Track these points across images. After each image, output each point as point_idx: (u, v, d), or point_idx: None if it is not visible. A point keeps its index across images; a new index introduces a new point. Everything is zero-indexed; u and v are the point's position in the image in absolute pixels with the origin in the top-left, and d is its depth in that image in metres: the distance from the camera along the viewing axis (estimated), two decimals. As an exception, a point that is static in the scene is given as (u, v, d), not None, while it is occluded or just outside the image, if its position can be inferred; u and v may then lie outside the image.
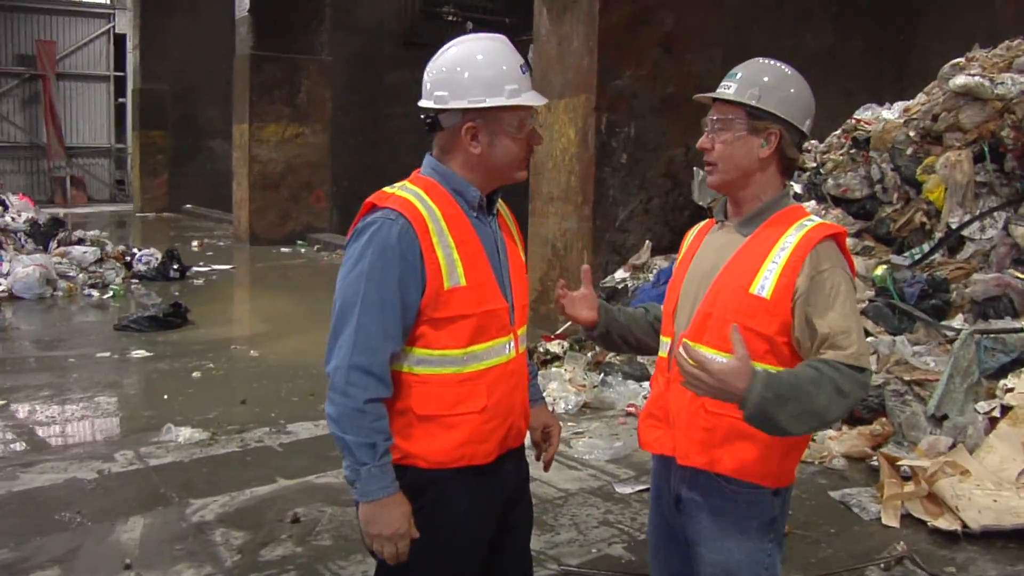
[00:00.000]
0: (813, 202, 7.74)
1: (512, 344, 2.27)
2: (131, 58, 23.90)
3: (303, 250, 15.51)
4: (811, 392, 1.99)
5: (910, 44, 14.01)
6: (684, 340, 2.12)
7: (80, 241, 12.12)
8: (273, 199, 16.23)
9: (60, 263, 11.18)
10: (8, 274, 10.61)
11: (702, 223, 2.44)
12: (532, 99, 2.19)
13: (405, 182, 2.25)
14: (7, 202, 12.31)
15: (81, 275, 11.21)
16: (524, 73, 2.20)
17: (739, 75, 2.20)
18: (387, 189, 2.22)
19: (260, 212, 16.16)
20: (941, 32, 13.17)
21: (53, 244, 11.82)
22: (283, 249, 15.61)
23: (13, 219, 11.84)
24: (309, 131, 16.40)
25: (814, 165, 8.12)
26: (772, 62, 2.24)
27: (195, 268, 12.75)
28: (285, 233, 16.24)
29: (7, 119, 27.98)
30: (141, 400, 6.62)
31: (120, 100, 28.15)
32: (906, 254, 7.02)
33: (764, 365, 2.06)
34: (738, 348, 1.95)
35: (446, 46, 2.24)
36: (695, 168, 8.27)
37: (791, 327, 2.10)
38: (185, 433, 5.47)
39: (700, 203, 8.28)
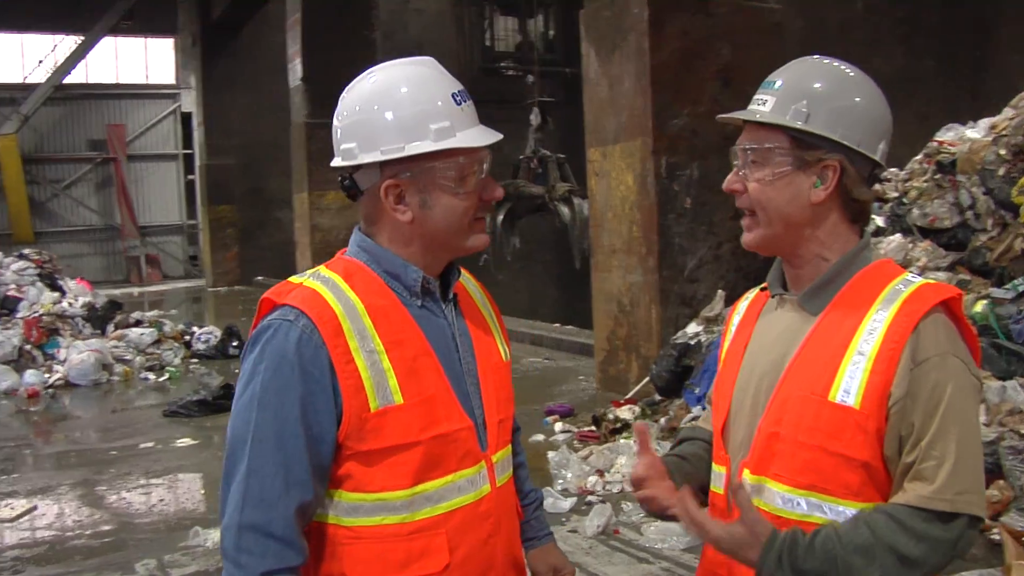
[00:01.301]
0: (899, 235, 7.05)
1: (484, 475, 1.71)
2: (197, 135, 24.10)
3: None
4: (856, 567, 1.44)
5: (986, 60, 13.24)
6: (745, 474, 1.58)
7: (138, 323, 11.90)
8: (337, 267, 15.90)
9: (117, 347, 10.94)
10: (64, 361, 10.36)
11: (752, 293, 1.85)
12: (471, 139, 1.64)
13: (319, 267, 1.72)
14: (64, 287, 12.13)
15: (138, 358, 10.97)
16: (460, 104, 1.65)
17: (778, 83, 1.61)
18: (294, 278, 1.69)
19: (325, 281, 15.84)
20: (1019, 44, 12.44)
21: (110, 328, 11.59)
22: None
23: (70, 304, 11.63)
24: (370, 195, 16.06)
25: (896, 195, 7.43)
26: (826, 61, 1.64)
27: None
28: (352, 300, 15.87)
29: (82, 203, 28.68)
30: (176, 496, 6.20)
31: (189, 177, 28.46)
32: (1008, 286, 6.28)
33: (862, 505, 1.51)
34: (744, 509, 1.45)
35: (358, 78, 1.71)
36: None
37: (889, 446, 1.52)
38: (214, 536, 4.97)
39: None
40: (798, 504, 1.54)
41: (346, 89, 1.71)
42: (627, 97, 7.56)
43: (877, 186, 1.66)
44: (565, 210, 13.14)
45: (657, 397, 6.97)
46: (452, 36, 21.84)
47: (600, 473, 5.53)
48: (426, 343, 1.66)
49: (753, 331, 1.73)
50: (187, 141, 28.94)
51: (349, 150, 1.66)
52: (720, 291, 7.49)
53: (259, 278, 22.36)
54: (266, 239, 22.94)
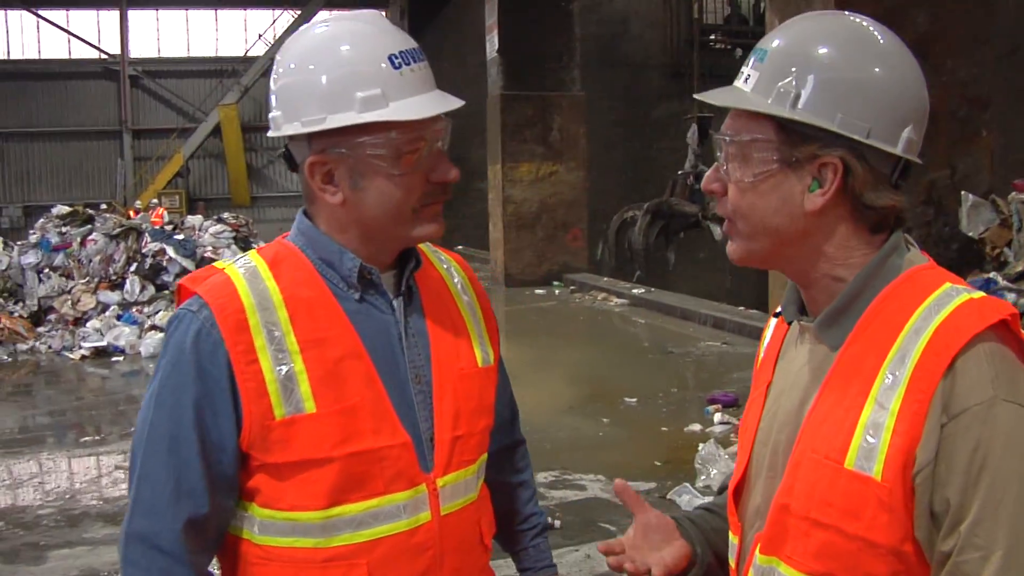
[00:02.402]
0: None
1: (423, 501, 1.49)
2: (404, 105, 24.65)
3: (557, 291, 15.03)
4: None
5: None
6: (756, 553, 1.30)
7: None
8: (528, 239, 15.89)
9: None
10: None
11: (775, 316, 1.49)
12: (407, 110, 1.41)
13: (251, 251, 1.55)
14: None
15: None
16: (400, 68, 1.42)
17: (765, 52, 1.25)
18: (219, 263, 1.53)
19: (515, 253, 15.87)
20: None
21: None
22: (537, 291, 15.20)
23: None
24: (563, 168, 15.95)
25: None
26: (832, 18, 1.28)
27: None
28: (541, 274, 15.82)
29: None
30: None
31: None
32: None
33: None
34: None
35: (302, 29, 1.51)
36: (963, 192, 7.02)
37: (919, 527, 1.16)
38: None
39: (971, 234, 7.01)
40: None
41: (293, 36, 1.51)
42: (812, 70, 7.05)
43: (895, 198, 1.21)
44: (718, 229, 13.23)
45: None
46: (659, 8, 21.45)
47: (747, 471, 5.19)
48: (358, 343, 1.46)
49: (776, 363, 1.40)
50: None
51: (275, 118, 1.48)
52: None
53: (459, 247, 22.68)
54: (467, 208, 23.21)
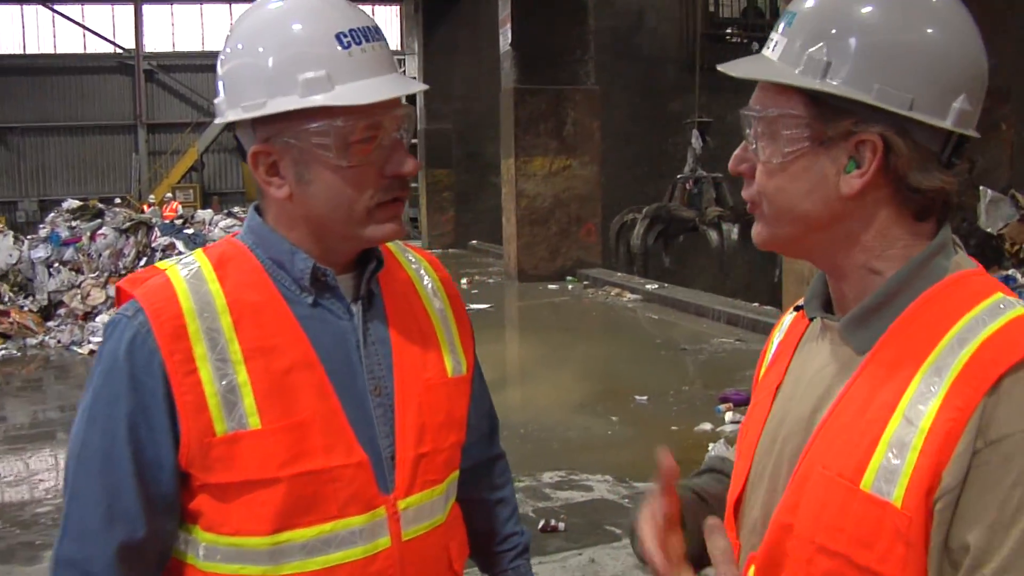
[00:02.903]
0: None
1: (383, 525, 1.36)
2: (418, 99, 24.57)
3: (571, 287, 14.90)
4: None
5: None
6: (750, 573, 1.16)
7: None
8: (541, 234, 15.76)
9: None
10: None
11: (795, 309, 1.33)
12: (354, 94, 1.28)
13: (197, 250, 1.42)
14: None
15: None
16: (349, 48, 1.29)
17: (794, 15, 1.11)
18: (161, 263, 1.40)
19: (528, 248, 15.74)
20: None
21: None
22: (551, 286, 15.08)
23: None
24: (577, 163, 15.81)
25: None
26: None
27: (451, 308, 12.40)
28: (555, 269, 15.70)
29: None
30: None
31: (412, 141, 29.02)
32: None
33: None
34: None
35: (256, 3, 1.37)
36: (982, 188, 6.88)
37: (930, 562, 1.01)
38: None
39: (990, 230, 6.86)
40: None
41: (238, 19, 1.39)
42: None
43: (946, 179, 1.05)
44: (713, 235, 13.70)
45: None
46: (674, 1, 21.26)
47: (759, 473, 5.06)
48: (310, 352, 1.33)
49: (789, 364, 1.24)
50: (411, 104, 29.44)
51: (219, 103, 1.35)
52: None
53: (473, 242, 22.62)
54: (481, 203, 23.14)
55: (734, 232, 11.84)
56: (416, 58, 24.87)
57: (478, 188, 23.25)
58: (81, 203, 13.11)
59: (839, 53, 1.06)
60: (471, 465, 1.59)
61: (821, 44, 1.07)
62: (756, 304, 11.20)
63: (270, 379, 1.30)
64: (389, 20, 30.87)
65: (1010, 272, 6.52)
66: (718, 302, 11.27)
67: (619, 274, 14.83)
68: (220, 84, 1.35)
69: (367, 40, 1.31)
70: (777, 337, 1.34)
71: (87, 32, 29.85)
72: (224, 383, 1.28)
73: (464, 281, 15.88)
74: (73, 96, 29.85)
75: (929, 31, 1.06)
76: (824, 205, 1.10)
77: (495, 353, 10.31)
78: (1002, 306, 1.05)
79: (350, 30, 1.30)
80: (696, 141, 14.33)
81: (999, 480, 0.96)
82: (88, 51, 30.11)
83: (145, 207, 14.50)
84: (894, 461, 1.00)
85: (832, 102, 1.07)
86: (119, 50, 29.97)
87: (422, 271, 1.55)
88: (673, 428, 6.45)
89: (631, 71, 20.54)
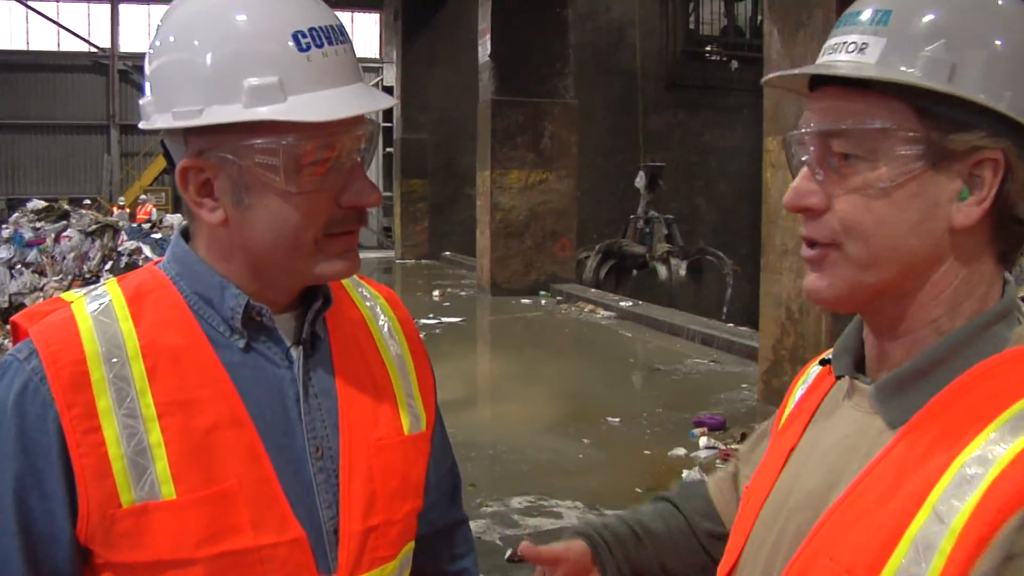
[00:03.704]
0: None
1: None
2: (395, 108, 24.40)
3: (544, 301, 14.74)
4: None
5: None
6: None
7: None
8: (516, 248, 15.61)
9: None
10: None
11: (821, 363, 1.15)
12: (311, 107, 1.06)
13: (111, 280, 1.21)
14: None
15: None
16: (307, 51, 1.07)
17: (889, 12, 0.93)
18: (68, 294, 1.18)
19: (502, 261, 15.59)
20: None
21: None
22: (524, 300, 14.91)
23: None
24: (553, 177, 15.69)
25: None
26: None
27: (422, 321, 12.24)
28: (528, 283, 15.54)
29: (287, 170, 29.43)
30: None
31: (388, 150, 28.86)
32: None
33: None
34: None
35: None
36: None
37: None
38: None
39: None
40: None
41: (171, 6, 1.17)
42: (811, 82, 6.82)
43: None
44: (662, 270, 14.95)
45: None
46: (655, 18, 21.24)
47: (733, 503, 4.91)
48: (239, 406, 1.13)
49: (808, 425, 1.08)
50: (387, 115, 29.30)
51: (145, 105, 1.15)
52: None
53: (447, 253, 22.45)
54: (456, 215, 22.97)
55: (682, 268, 13.10)
56: (394, 67, 24.72)
57: (453, 199, 23.09)
58: (47, 204, 12.86)
59: (964, 54, 0.90)
60: (429, 532, 1.39)
61: (940, 43, 0.90)
62: (731, 324, 11.09)
63: (189, 439, 1.09)
64: (368, 28, 30.67)
65: None
66: (693, 321, 11.14)
67: (593, 290, 14.73)
68: (147, 83, 1.15)
69: (330, 42, 1.10)
70: (800, 390, 1.17)
71: (62, 30, 29.48)
72: (133, 444, 1.07)
73: (436, 293, 15.71)
74: (46, 94, 29.46)
75: None
76: (932, 241, 0.92)
77: (465, 369, 10.13)
78: None
79: (310, 29, 1.08)
80: (640, 182, 15.11)
81: None
82: (62, 49, 29.73)
83: (115, 209, 14.21)
84: (917, 565, 0.83)
85: (946, 114, 0.90)
86: (94, 49, 29.60)
87: (378, 309, 1.35)
88: (646, 452, 6.29)
89: (610, 86, 20.52)
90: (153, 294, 1.16)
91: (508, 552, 4.48)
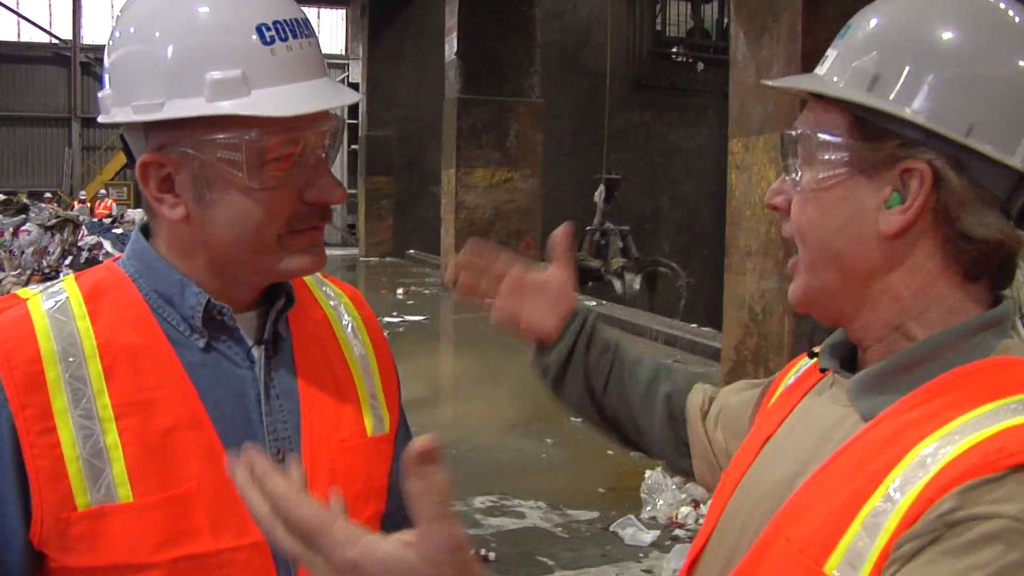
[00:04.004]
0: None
1: None
2: (360, 105, 24.33)
3: (508, 300, 14.75)
4: None
5: None
6: None
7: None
8: (480, 247, 15.60)
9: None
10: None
11: (811, 358, 1.15)
12: (275, 102, 1.06)
13: (68, 277, 1.19)
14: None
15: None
16: (271, 44, 1.07)
17: (849, 26, 0.99)
18: (24, 291, 1.17)
19: (467, 260, 15.57)
20: None
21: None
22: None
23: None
24: (519, 176, 15.70)
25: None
26: None
27: (386, 319, 12.19)
28: (493, 282, 15.54)
29: (251, 166, 29.27)
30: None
31: (353, 147, 28.77)
32: None
33: None
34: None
35: None
36: None
37: None
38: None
39: None
40: None
41: None
42: (776, 85, 6.86)
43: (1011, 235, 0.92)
44: (617, 283, 15.09)
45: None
46: (623, 19, 21.28)
47: (696, 504, 4.93)
48: (198, 406, 1.12)
49: (788, 415, 1.10)
50: (353, 112, 29.23)
51: (103, 98, 1.14)
52: (864, 307, 6.74)
53: (411, 251, 22.40)
54: (421, 212, 22.92)
55: (636, 282, 13.47)
56: (360, 63, 24.63)
57: (418, 197, 23.05)
58: (5, 197, 12.68)
59: (890, 66, 0.92)
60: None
61: (872, 55, 0.93)
62: (695, 325, 11.14)
63: (146, 441, 1.08)
64: (334, 24, 30.54)
65: None
66: (656, 322, 11.19)
67: (557, 290, 14.79)
68: (106, 76, 1.13)
69: (295, 36, 1.09)
70: (791, 379, 1.19)
71: (22, 20, 29.10)
72: (89, 445, 1.05)
73: (400, 291, 15.65)
74: (5, 85, 29.05)
75: (991, 54, 0.92)
76: (859, 245, 0.95)
77: (428, 368, 10.11)
78: None
79: (275, 21, 1.07)
80: (599, 196, 15.51)
81: (959, 558, 0.79)
82: (23, 39, 29.36)
83: (76, 203, 14.06)
84: (865, 542, 0.84)
85: (879, 122, 0.93)
86: (55, 40, 29.26)
87: (342, 308, 1.34)
88: (609, 452, 6.28)
89: (576, 86, 20.54)
90: (111, 292, 1.14)
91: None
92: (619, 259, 14.93)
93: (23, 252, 11.49)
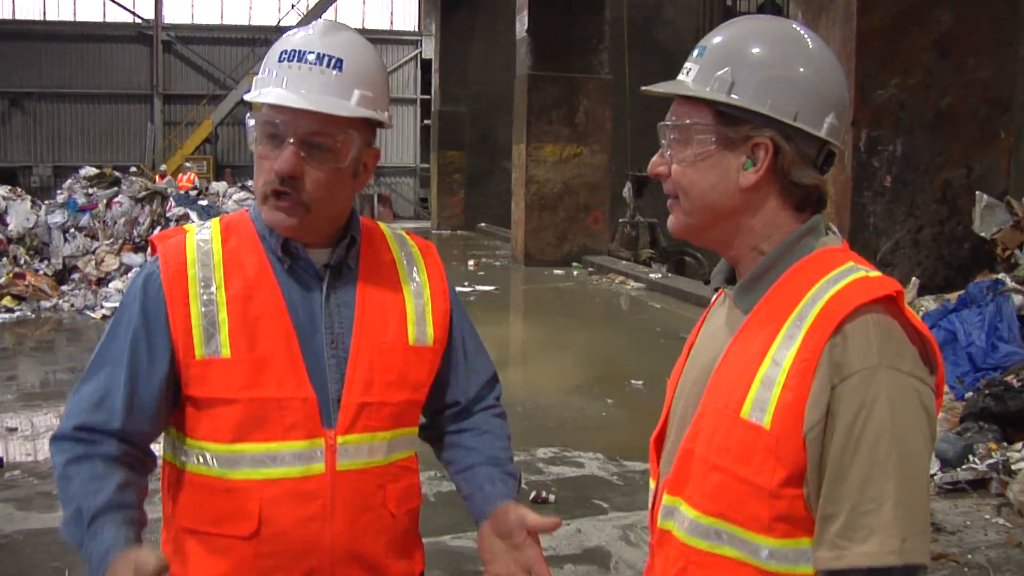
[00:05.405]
0: None
1: (319, 454, 1.63)
2: (434, 81, 24.73)
3: (576, 272, 15.12)
4: None
5: None
6: (663, 494, 1.44)
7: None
8: (549, 220, 15.96)
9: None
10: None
11: (706, 284, 1.65)
12: (254, 94, 1.63)
13: (216, 217, 1.80)
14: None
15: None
16: (283, 61, 1.61)
17: (705, 48, 1.41)
18: (187, 226, 1.76)
19: (536, 233, 15.95)
20: None
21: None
22: (556, 271, 15.30)
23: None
24: (588, 151, 16.00)
25: None
26: (766, 21, 1.44)
27: (458, 289, 12.55)
28: (561, 255, 15.91)
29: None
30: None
31: (425, 122, 29.29)
32: None
33: (777, 542, 1.30)
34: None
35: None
36: (978, 192, 7.05)
37: (805, 478, 1.29)
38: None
39: (983, 234, 7.03)
40: (706, 532, 1.36)
41: None
42: (831, 63, 7.09)
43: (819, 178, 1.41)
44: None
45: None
46: (693, -7, 21.32)
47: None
48: (282, 305, 1.65)
49: (702, 326, 1.57)
50: (425, 87, 29.71)
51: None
52: (915, 278, 6.98)
53: (482, 224, 22.79)
54: (492, 187, 23.30)
55: (662, 271, 14.13)
56: (433, 40, 25.04)
57: (489, 171, 23.39)
58: (98, 171, 13.31)
59: (740, 77, 1.36)
60: (465, 427, 1.87)
61: (727, 69, 1.36)
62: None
63: (245, 321, 1.62)
64: (407, 2, 31.01)
65: (1000, 276, 6.70)
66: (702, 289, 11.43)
67: (624, 262, 15.04)
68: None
69: (304, 62, 1.59)
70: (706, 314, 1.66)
71: (108, 1, 30.01)
72: (208, 318, 1.61)
73: (471, 263, 16.08)
74: (91, 64, 29.99)
75: (803, 66, 1.37)
76: (727, 196, 1.39)
77: (498, 335, 10.52)
78: (850, 271, 1.33)
79: (295, 50, 1.61)
80: (628, 192, 16.15)
81: (847, 408, 1.25)
82: (108, 20, 30.25)
83: (158, 177, 14.68)
84: (764, 394, 1.30)
85: (734, 113, 1.37)
86: (138, 20, 30.10)
87: (410, 255, 1.81)
88: (666, 412, 6.65)
89: (646, 62, 20.59)
90: (238, 228, 1.72)
91: (532, 494, 4.88)
92: (648, 250, 15.80)
93: (115, 222, 12.13)
